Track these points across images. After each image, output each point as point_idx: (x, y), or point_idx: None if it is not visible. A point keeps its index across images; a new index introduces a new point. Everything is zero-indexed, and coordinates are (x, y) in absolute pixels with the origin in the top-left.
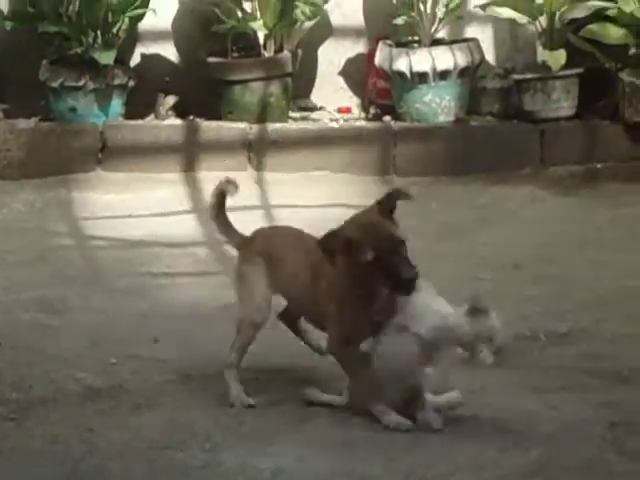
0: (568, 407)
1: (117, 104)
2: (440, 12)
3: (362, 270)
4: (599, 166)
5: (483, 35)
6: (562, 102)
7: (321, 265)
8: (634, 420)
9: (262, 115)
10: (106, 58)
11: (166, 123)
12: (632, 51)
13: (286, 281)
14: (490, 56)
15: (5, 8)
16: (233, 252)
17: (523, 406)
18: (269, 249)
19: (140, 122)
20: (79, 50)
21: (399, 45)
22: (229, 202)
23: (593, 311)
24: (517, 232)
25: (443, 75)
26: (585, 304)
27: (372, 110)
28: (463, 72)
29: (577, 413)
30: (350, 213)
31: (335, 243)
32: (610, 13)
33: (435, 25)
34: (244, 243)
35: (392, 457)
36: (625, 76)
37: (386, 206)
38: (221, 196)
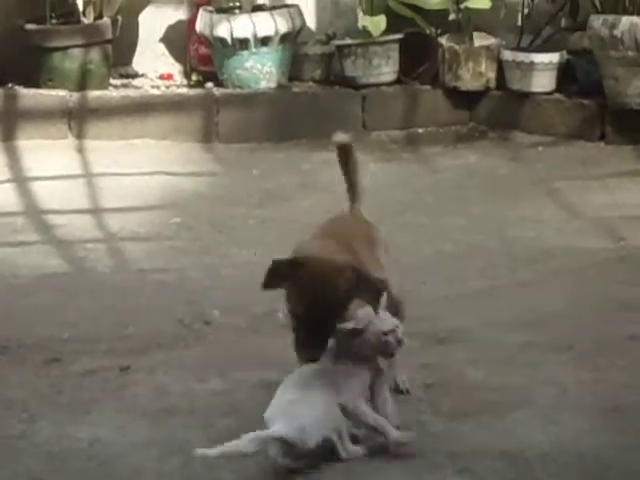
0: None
1: None
2: None
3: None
4: (420, 131)
5: (304, 1)
6: (383, 67)
7: None
8: (449, 381)
9: (82, 82)
10: None
11: None
12: (451, 17)
13: None
14: (311, 22)
15: None
16: (56, 220)
17: None
18: None
19: None
20: None
21: (220, 11)
22: (50, 172)
23: (412, 274)
24: (339, 199)
25: (264, 41)
26: (405, 268)
27: (194, 77)
28: (284, 38)
29: (395, 375)
30: (171, 180)
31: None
32: None
33: None
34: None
35: (210, 423)
36: (444, 41)
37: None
38: None
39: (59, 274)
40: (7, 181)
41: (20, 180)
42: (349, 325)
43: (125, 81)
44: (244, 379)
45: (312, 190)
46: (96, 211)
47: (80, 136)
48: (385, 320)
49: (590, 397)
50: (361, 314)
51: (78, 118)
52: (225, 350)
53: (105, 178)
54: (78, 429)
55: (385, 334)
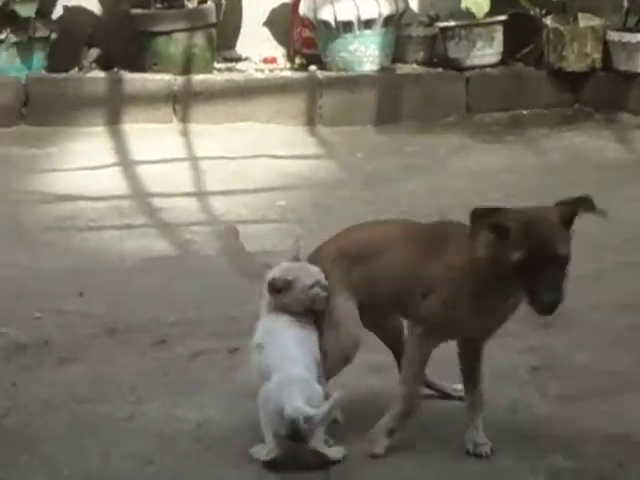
0: (493, 352)
1: (39, 57)
2: None
3: (502, 265)
4: (524, 112)
5: None
6: (487, 49)
7: (438, 241)
8: (555, 364)
9: (187, 66)
10: (27, 11)
11: (90, 76)
12: None
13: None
14: (414, 4)
15: None
16: (161, 204)
17: (440, 353)
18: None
19: (63, 75)
20: None
21: None
22: (155, 155)
23: None
24: (443, 180)
25: (368, 24)
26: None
27: (297, 60)
28: (387, 20)
29: (501, 358)
30: (275, 163)
31: (489, 220)
32: None
33: None
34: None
35: None
36: (549, 22)
37: (568, 212)
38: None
39: (165, 257)
40: (113, 165)
41: (126, 164)
42: (277, 278)
43: (229, 65)
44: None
45: (416, 173)
46: (201, 194)
47: (185, 120)
48: (309, 271)
49: None
50: (285, 266)
51: (182, 102)
52: None
53: (209, 161)
54: (186, 411)
55: (311, 287)
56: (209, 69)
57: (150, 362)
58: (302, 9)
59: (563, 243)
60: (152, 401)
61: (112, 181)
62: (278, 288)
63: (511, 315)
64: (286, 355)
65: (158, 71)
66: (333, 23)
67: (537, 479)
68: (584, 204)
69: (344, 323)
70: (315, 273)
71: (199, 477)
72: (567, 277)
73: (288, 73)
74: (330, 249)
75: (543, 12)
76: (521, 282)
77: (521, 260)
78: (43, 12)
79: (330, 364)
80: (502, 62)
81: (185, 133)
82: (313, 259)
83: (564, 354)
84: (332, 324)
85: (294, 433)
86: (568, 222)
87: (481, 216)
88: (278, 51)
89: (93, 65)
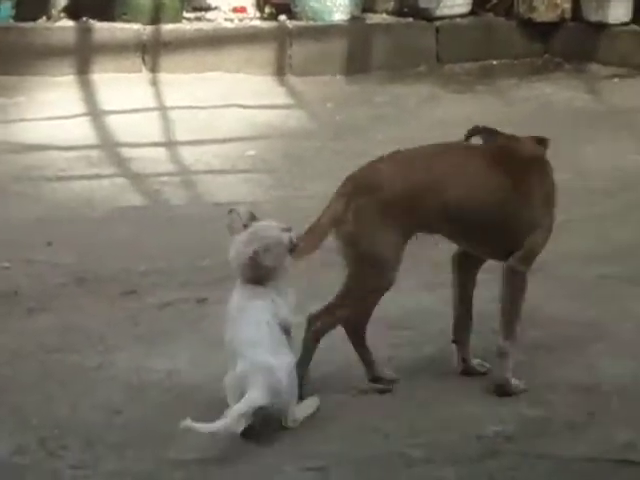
0: None
1: (7, 7)
2: None
3: None
4: (494, 63)
5: None
6: None
7: (518, 167)
8: (525, 315)
9: (156, 16)
10: None
11: (58, 25)
12: None
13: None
14: None
15: None
16: (130, 153)
17: (418, 303)
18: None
19: (32, 24)
20: None
21: None
22: (124, 105)
23: None
24: (413, 130)
25: None
26: None
27: (267, 9)
28: None
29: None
30: (244, 113)
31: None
32: None
33: None
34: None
35: None
36: None
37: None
38: None
39: (134, 207)
40: (82, 114)
41: (95, 113)
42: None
43: (198, 14)
44: None
45: (386, 123)
46: (170, 144)
47: (154, 69)
48: (272, 227)
49: None
50: (252, 230)
51: (152, 51)
52: (299, 283)
53: (179, 111)
54: (155, 361)
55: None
56: (178, 18)
57: (119, 312)
58: None
59: None
60: (121, 351)
61: (81, 131)
62: (260, 258)
63: None
64: (250, 340)
65: (127, 20)
66: None
67: (504, 427)
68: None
69: (387, 262)
70: (275, 225)
71: (168, 427)
72: None
73: (258, 22)
74: (376, 183)
75: None
76: None
77: None
78: None
79: (359, 299)
80: (472, 12)
81: (154, 83)
82: (353, 190)
83: (533, 305)
84: (373, 261)
85: (248, 429)
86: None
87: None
88: (248, 0)
89: (62, 14)
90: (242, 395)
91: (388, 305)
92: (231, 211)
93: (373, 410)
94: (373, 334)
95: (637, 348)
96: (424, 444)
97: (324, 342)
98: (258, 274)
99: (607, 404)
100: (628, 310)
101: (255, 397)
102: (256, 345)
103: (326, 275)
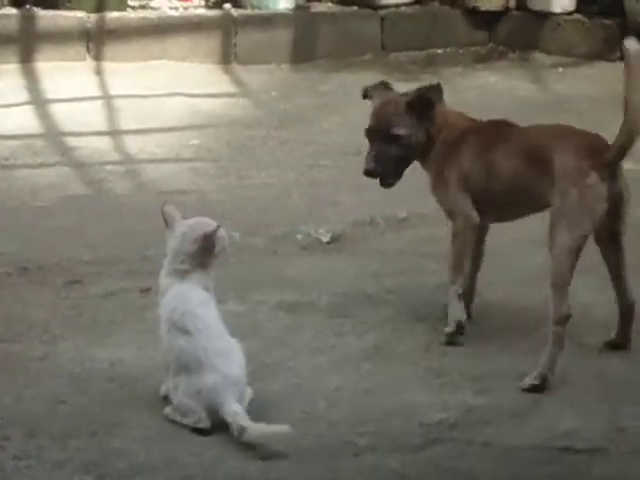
0: (406, 291)
1: None
2: None
3: None
4: (439, 51)
5: None
6: None
7: None
8: (477, 301)
9: (100, 4)
10: None
11: (2, 12)
12: None
13: None
14: None
15: None
16: (75, 143)
17: (362, 291)
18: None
19: None
20: None
21: None
22: (68, 93)
23: (430, 195)
24: (358, 119)
25: None
26: (422, 188)
27: None
28: None
29: (414, 296)
30: (189, 102)
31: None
32: None
33: None
34: None
35: None
36: None
37: (415, 98)
38: None
39: (79, 196)
40: (26, 103)
41: (39, 102)
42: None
43: (143, 2)
44: (263, 300)
45: (331, 111)
46: (115, 133)
47: (98, 58)
48: (201, 223)
49: (611, 316)
50: (193, 221)
51: (96, 40)
52: (244, 271)
53: (123, 100)
54: (99, 351)
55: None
56: (123, 6)
57: (63, 302)
58: None
59: (399, 124)
60: (65, 341)
61: (25, 119)
62: (212, 243)
63: None
64: (217, 351)
65: (71, 8)
66: None
67: (448, 415)
68: (435, 91)
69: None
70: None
71: (112, 416)
72: (405, 153)
73: (202, 11)
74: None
75: None
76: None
77: (366, 132)
78: None
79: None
80: (417, 1)
81: (99, 71)
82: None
83: (478, 291)
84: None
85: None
86: (416, 107)
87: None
88: None
89: (5, 1)
90: (210, 406)
91: (333, 293)
92: (165, 204)
93: (318, 399)
94: (315, 323)
95: (581, 334)
96: (369, 432)
97: (270, 336)
98: (207, 259)
99: (551, 391)
100: (573, 296)
101: (235, 410)
102: (227, 357)
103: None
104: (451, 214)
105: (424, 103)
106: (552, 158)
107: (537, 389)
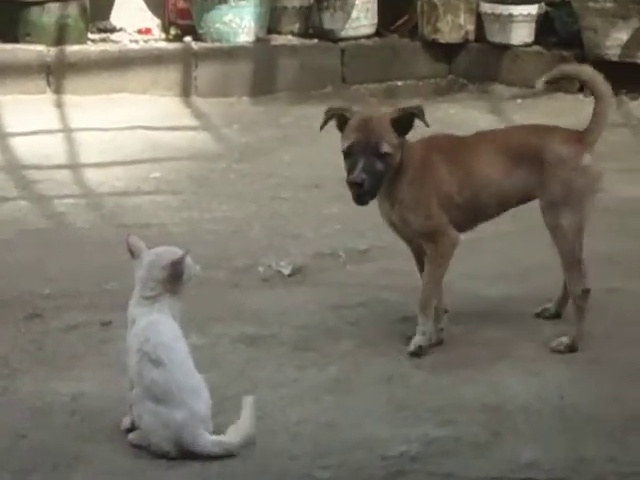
0: (367, 323)
1: None
2: None
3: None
4: (399, 84)
5: None
6: (362, 20)
7: None
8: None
9: (60, 37)
10: None
11: None
12: None
13: None
14: None
15: None
16: (35, 176)
17: (323, 323)
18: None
19: None
20: None
21: None
22: (28, 127)
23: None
24: (319, 152)
25: None
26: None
27: (172, 31)
28: None
29: (375, 329)
30: (150, 135)
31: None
32: None
33: None
34: None
35: None
36: None
37: (398, 114)
38: None
39: (39, 230)
40: None
41: None
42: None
43: (103, 35)
44: (224, 333)
45: (292, 144)
46: (75, 166)
47: (58, 91)
48: (168, 251)
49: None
50: (159, 250)
51: (56, 73)
52: (206, 304)
53: (84, 133)
54: (60, 384)
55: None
56: (83, 40)
57: (24, 336)
58: None
59: (385, 139)
60: (26, 375)
61: None
62: (181, 270)
63: None
64: (189, 387)
65: (31, 42)
66: None
67: (409, 447)
68: (417, 111)
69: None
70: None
71: (73, 451)
72: (386, 171)
73: (163, 44)
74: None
75: None
76: (347, 168)
77: (346, 149)
78: None
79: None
80: (377, 34)
81: (59, 104)
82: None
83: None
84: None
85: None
86: (399, 123)
87: (331, 110)
88: (153, 22)
89: None
90: (178, 440)
91: (294, 325)
92: (129, 235)
93: (279, 432)
94: (276, 356)
95: (540, 367)
96: (331, 465)
97: (231, 369)
98: (176, 285)
99: (512, 423)
100: (532, 330)
101: (214, 440)
102: (197, 394)
103: None
104: (432, 236)
105: (408, 120)
106: (542, 151)
107: (572, 349)
